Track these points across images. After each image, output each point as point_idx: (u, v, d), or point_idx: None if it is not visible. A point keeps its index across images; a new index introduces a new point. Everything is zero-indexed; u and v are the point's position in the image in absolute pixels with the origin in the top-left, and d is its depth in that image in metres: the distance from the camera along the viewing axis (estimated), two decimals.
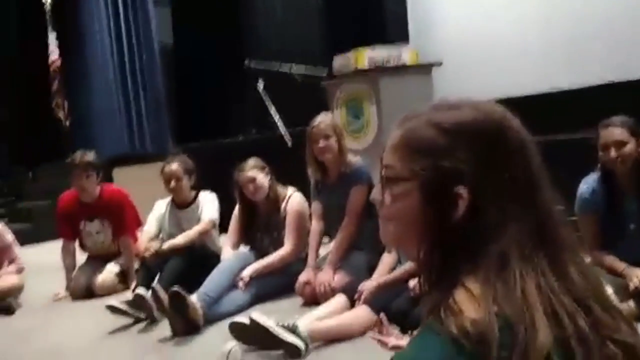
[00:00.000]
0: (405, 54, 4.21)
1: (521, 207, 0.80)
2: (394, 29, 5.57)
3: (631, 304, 2.56)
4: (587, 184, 2.79)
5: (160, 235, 3.93)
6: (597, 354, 0.76)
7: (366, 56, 4.08)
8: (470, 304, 0.75)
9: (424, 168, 0.82)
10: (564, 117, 3.78)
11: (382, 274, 3.04)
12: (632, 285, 2.58)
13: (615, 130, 2.62)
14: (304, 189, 3.63)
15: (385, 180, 0.87)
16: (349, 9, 5.64)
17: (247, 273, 3.38)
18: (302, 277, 3.32)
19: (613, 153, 2.61)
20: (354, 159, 3.37)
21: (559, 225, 0.83)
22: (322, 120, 3.35)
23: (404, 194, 0.84)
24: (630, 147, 2.59)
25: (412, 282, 2.75)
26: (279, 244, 3.53)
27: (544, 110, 3.78)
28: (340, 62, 4.21)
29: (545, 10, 4.74)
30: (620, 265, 2.68)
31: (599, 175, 2.75)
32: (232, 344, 2.56)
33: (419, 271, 0.86)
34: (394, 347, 2.09)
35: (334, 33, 5.78)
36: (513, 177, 0.81)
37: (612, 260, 2.72)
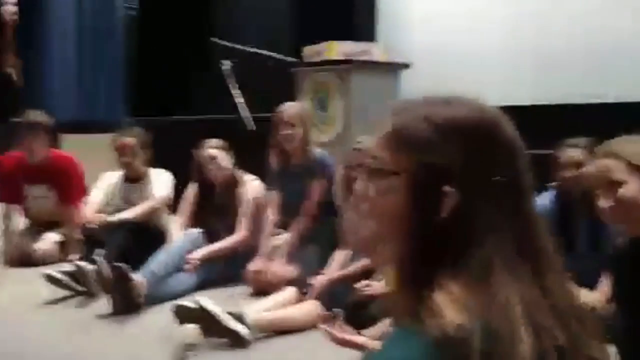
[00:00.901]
0: (376, 51, 4.19)
1: (507, 212, 0.78)
2: (363, 27, 5.57)
3: None
4: (542, 200, 2.83)
5: (107, 208, 3.78)
6: None
7: (338, 48, 4.03)
8: (451, 307, 0.72)
9: (413, 163, 0.79)
10: (524, 131, 3.83)
11: (334, 269, 3.01)
12: None
13: (574, 151, 2.68)
14: (261, 176, 3.56)
15: (370, 172, 0.83)
16: (320, 3, 5.61)
17: (196, 256, 3.29)
18: (253, 266, 3.26)
19: (570, 173, 2.66)
20: (318, 151, 3.33)
21: (542, 235, 0.81)
22: (290, 107, 3.30)
23: (390, 189, 0.81)
24: (587, 168, 2.63)
25: (362, 283, 2.71)
26: (232, 229, 3.46)
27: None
28: (311, 51, 4.15)
29: (513, 22, 4.82)
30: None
31: (554, 194, 2.79)
32: (192, 326, 2.47)
33: (396, 270, 0.82)
34: (345, 342, 2.07)
35: (303, 25, 5.72)
36: (502, 180, 0.78)
37: None
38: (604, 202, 1.56)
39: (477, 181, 0.78)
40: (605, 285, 2.46)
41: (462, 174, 0.77)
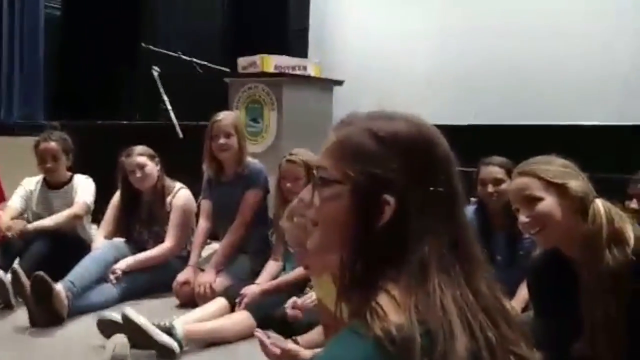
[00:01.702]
0: (310, 67, 4.25)
1: (442, 220, 0.84)
2: (295, 43, 5.64)
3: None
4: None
5: (26, 215, 3.59)
6: None
7: (273, 61, 4.05)
8: (393, 309, 0.77)
9: (357, 172, 0.84)
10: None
11: (265, 280, 2.99)
12: None
13: (494, 169, 2.84)
14: (191, 185, 3.50)
15: (316, 182, 0.88)
16: (253, 17, 5.63)
17: (120, 266, 3.18)
18: (181, 277, 3.18)
19: (490, 189, 2.81)
20: (252, 161, 3.32)
21: (473, 242, 0.88)
22: (226, 116, 3.27)
23: (334, 196, 0.86)
24: (505, 185, 2.78)
25: (290, 301, 2.70)
26: (159, 238, 3.37)
27: None
28: (245, 63, 4.14)
29: (441, 45, 5.03)
30: None
31: (474, 208, 2.93)
32: (119, 337, 2.38)
33: (340, 275, 0.85)
34: (279, 355, 2.05)
35: (237, 36, 5.71)
36: (438, 190, 0.85)
37: None
38: (523, 217, 1.67)
39: (415, 191, 0.83)
40: (522, 295, 2.59)
41: (402, 184, 0.83)
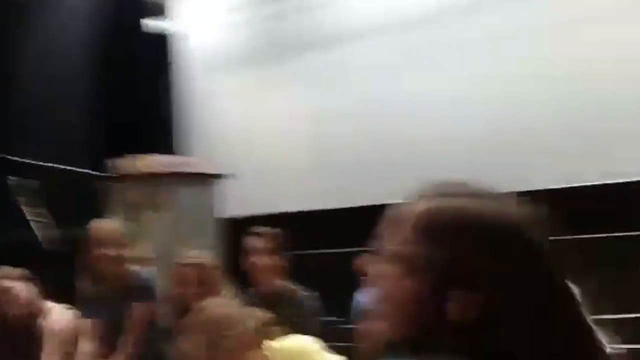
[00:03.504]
0: (192, 163, 4.15)
1: (544, 324, 0.71)
2: (167, 141, 5.52)
3: None
4: (362, 295, 2.98)
5: None
6: None
7: (151, 161, 3.90)
8: None
9: (444, 257, 0.72)
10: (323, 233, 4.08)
11: None
12: None
13: None
14: (69, 302, 3.17)
15: (390, 255, 0.77)
16: (119, 117, 5.48)
17: None
18: None
19: None
20: (137, 270, 3.07)
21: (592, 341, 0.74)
22: (103, 225, 3.03)
23: (410, 274, 0.75)
24: None
25: None
26: None
27: (317, 226, 3.99)
28: (120, 165, 3.94)
29: (320, 136, 5.15)
30: None
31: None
32: None
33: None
34: None
35: (109, 139, 5.49)
36: (530, 283, 0.72)
37: None
38: None
39: (503, 285, 0.71)
40: None
41: (488, 277, 0.71)
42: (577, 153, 4.21)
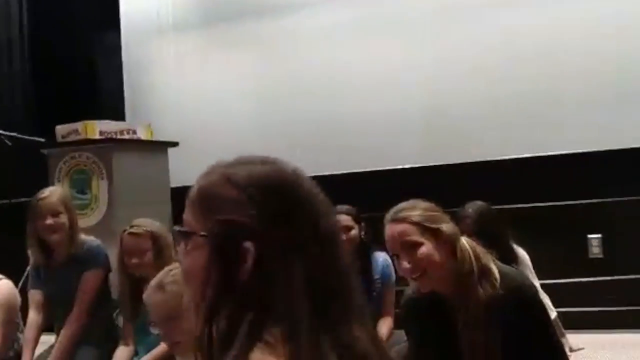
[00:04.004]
0: (140, 130, 4.02)
1: (312, 265, 0.80)
2: (114, 108, 5.36)
3: None
4: None
5: None
6: None
7: (97, 127, 3.76)
8: None
9: (213, 221, 0.81)
10: None
11: None
12: None
13: (342, 217, 2.92)
14: (13, 274, 3.07)
15: (180, 235, 0.86)
16: (64, 83, 5.28)
17: None
18: None
19: (342, 236, 2.87)
20: (86, 239, 2.98)
21: (351, 288, 0.84)
22: (50, 193, 2.92)
23: (195, 248, 0.82)
24: (354, 232, 3.01)
25: None
26: None
27: None
28: (64, 131, 3.79)
29: (267, 103, 5.09)
30: None
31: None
32: None
33: (207, 332, 0.79)
34: None
35: (50, 105, 5.28)
36: (302, 234, 0.81)
37: None
38: (405, 263, 1.68)
39: (277, 235, 0.79)
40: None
41: (261, 228, 0.79)
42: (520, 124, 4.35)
